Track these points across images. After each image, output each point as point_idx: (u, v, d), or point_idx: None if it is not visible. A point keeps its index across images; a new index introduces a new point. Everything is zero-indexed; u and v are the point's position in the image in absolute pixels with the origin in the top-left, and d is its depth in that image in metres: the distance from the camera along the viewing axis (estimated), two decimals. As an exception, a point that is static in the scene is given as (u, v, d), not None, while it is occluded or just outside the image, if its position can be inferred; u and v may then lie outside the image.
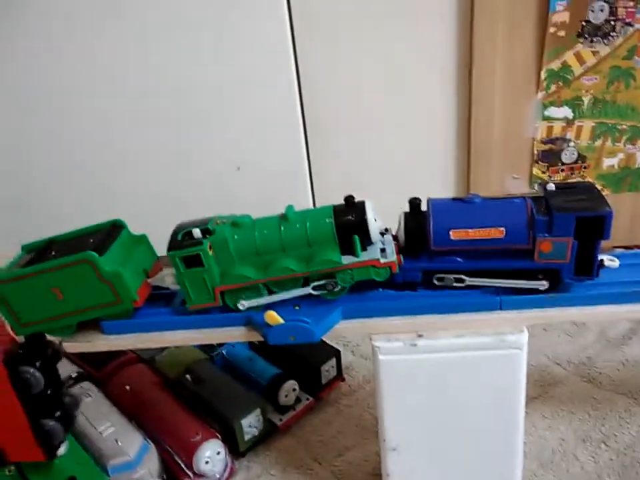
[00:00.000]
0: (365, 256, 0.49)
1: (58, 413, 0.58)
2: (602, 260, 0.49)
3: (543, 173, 1.04)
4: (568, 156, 1.03)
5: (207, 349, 0.82)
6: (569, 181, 0.47)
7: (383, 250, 0.50)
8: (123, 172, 1.05)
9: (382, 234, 0.52)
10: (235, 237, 0.50)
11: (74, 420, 0.61)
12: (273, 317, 0.48)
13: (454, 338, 0.48)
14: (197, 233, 0.50)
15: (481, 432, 0.52)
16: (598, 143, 1.03)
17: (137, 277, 0.53)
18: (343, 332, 0.51)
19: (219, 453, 0.65)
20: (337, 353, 0.80)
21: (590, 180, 1.05)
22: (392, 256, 0.49)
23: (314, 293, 0.50)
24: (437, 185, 1.06)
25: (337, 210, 0.50)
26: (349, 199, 0.50)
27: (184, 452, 0.65)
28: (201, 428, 0.67)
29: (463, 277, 0.50)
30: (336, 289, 0.50)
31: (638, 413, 0.72)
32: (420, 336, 0.49)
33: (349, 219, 0.49)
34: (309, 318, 0.48)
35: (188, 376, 0.75)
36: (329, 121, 1.02)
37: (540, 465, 0.66)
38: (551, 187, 0.49)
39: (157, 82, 0.97)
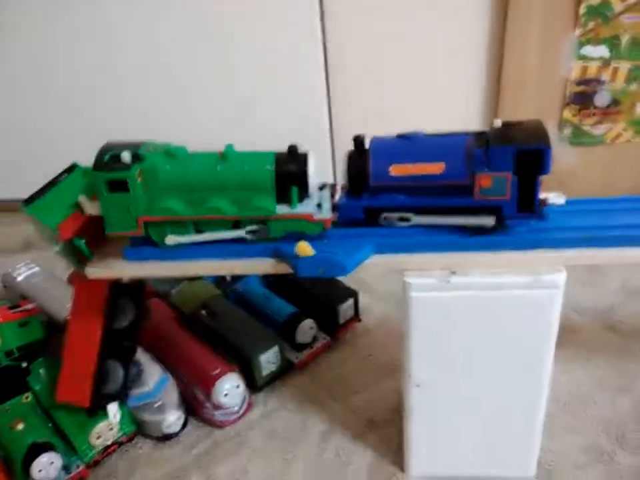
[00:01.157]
0: (300, 208, 0.47)
1: (122, 372, 0.60)
2: (545, 198, 0.48)
3: (574, 116, 1.00)
4: (601, 99, 0.98)
5: (221, 285, 0.81)
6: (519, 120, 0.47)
7: (320, 205, 0.48)
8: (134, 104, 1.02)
9: (321, 188, 0.50)
10: (167, 167, 0.47)
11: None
12: (304, 248, 0.46)
13: (488, 276, 0.46)
14: (126, 156, 0.46)
15: (508, 371, 0.51)
16: (633, 86, 0.98)
17: (62, 211, 0.50)
18: (374, 267, 0.49)
19: (237, 387, 0.65)
20: (354, 294, 0.79)
21: (621, 124, 1.01)
22: (327, 212, 0.48)
23: (246, 237, 0.49)
24: (462, 125, 1.02)
25: (278, 158, 0.47)
26: (293, 148, 0.47)
27: (203, 384, 0.65)
28: (220, 362, 0.66)
29: (408, 215, 0.49)
30: (269, 237, 0.48)
31: (659, 362, 0.71)
32: (453, 273, 0.47)
33: (289, 169, 0.47)
34: (340, 251, 0.46)
35: (204, 311, 0.74)
36: (351, 56, 0.97)
37: (558, 407, 0.66)
38: (497, 123, 0.46)
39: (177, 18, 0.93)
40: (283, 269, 0.49)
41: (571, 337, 0.78)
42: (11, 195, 1.15)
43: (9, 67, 1.04)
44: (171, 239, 0.48)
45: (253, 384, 0.70)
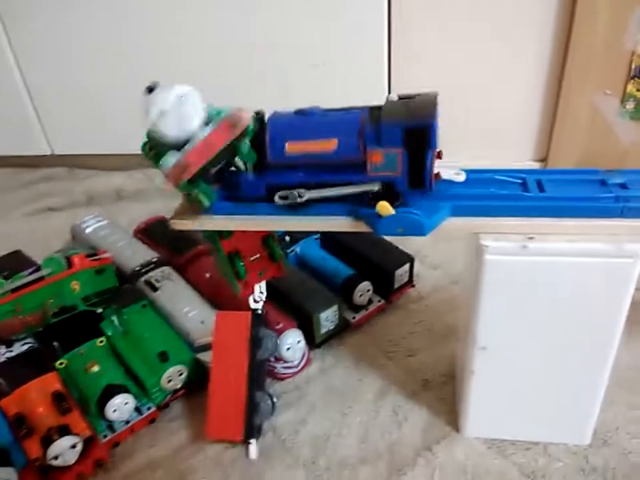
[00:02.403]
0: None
1: (269, 401, 0.63)
2: (438, 172, 0.48)
3: (638, 90, 0.97)
4: (668, 73, 0.95)
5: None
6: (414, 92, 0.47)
7: None
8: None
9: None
10: None
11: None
12: (384, 207, 0.47)
13: (567, 242, 0.47)
14: None
15: (576, 339, 0.51)
16: (702, 61, 0.94)
17: None
18: (450, 229, 0.49)
19: (299, 342, 0.68)
20: (411, 259, 0.80)
21: None
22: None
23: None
24: (524, 96, 1.00)
25: None
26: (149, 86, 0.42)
27: (267, 338, 0.67)
28: (282, 317, 0.69)
29: (299, 191, 0.49)
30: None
31: None
32: (531, 238, 0.47)
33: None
34: (420, 211, 0.47)
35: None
36: (416, 23, 0.96)
37: (614, 380, 0.66)
38: (393, 97, 0.47)
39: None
40: (360, 227, 0.50)
41: (630, 311, 0.77)
42: (72, 151, 1.19)
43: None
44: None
45: (312, 341, 0.72)
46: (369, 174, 0.47)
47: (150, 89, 0.42)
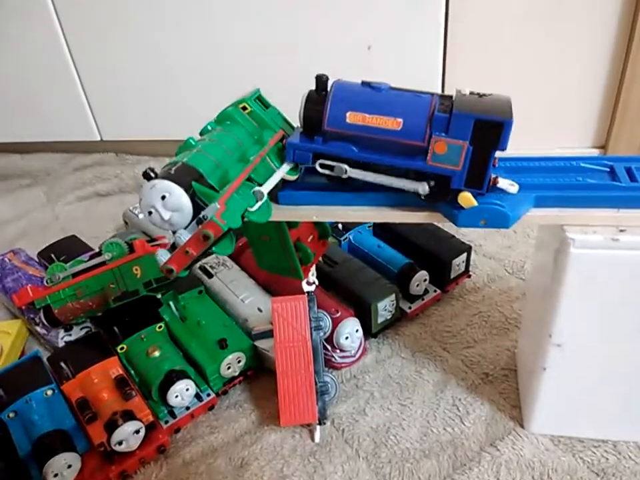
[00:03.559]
0: None
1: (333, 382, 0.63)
2: (496, 177, 0.45)
3: None
4: None
5: (333, 233, 0.82)
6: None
7: None
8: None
9: None
10: None
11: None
12: (467, 198, 0.45)
13: (662, 236, 0.44)
14: None
15: (660, 338, 0.49)
16: None
17: None
18: (533, 220, 0.47)
19: (357, 331, 0.67)
20: (468, 249, 0.78)
21: None
22: None
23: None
24: (583, 80, 0.96)
25: None
26: None
27: (326, 327, 0.66)
28: (339, 306, 0.68)
29: (343, 166, 0.47)
30: None
31: None
32: (622, 230, 0.45)
33: None
34: (504, 202, 0.45)
35: (322, 258, 0.75)
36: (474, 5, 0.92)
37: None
38: (465, 90, 0.45)
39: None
40: (438, 218, 0.48)
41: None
42: (120, 137, 1.19)
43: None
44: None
45: (368, 330, 0.71)
46: (428, 163, 0.45)
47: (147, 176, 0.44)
